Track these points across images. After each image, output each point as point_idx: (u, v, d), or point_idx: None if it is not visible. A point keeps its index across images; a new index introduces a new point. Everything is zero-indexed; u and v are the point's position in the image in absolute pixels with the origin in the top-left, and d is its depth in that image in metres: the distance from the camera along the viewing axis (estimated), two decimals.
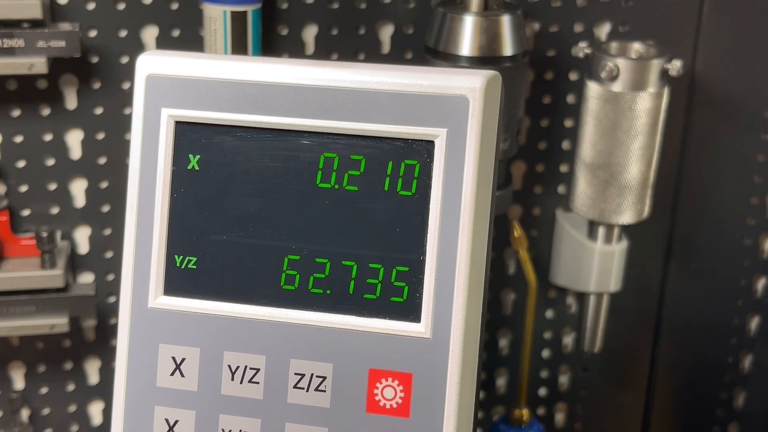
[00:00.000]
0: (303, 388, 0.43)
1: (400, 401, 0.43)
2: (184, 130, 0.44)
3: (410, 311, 0.42)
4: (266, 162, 0.43)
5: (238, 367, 0.44)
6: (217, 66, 0.43)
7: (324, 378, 0.43)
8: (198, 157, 0.44)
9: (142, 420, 0.44)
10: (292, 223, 0.43)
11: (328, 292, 0.43)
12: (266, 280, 0.44)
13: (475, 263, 0.42)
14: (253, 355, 0.44)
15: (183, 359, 0.44)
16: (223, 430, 0.44)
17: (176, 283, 0.44)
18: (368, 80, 0.42)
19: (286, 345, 0.43)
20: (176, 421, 0.44)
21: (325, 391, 0.43)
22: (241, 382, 0.44)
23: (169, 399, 0.44)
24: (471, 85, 0.41)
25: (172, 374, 0.44)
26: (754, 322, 0.83)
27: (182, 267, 0.44)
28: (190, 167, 0.44)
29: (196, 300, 0.44)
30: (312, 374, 0.43)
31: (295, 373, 0.43)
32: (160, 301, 0.44)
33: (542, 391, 0.84)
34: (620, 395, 0.85)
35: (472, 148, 0.41)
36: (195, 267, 0.44)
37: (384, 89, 0.42)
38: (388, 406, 0.43)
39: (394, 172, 0.42)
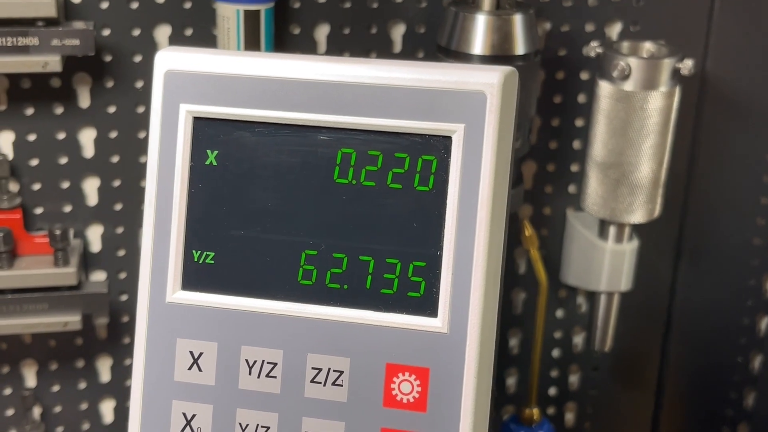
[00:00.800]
0: (320, 383, 0.43)
1: (417, 395, 0.43)
2: (202, 125, 0.44)
3: (427, 306, 0.43)
4: (284, 157, 0.44)
5: (255, 361, 0.44)
6: (235, 62, 0.44)
7: (341, 372, 0.43)
8: (216, 152, 0.44)
9: (160, 414, 0.45)
10: (310, 218, 0.44)
11: (345, 286, 0.43)
12: (284, 274, 0.44)
13: (491, 258, 0.42)
14: (271, 350, 0.44)
15: (200, 354, 0.44)
16: (240, 424, 0.44)
17: (194, 277, 0.44)
18: (386, 76, 0.43)
19: (304, 339, 0.43)
20: (194, 415, 0.44)
21: (342, 385, 0.43)
22: (258, 377, 0.44)
23: (187, 393, 0.44)
24: (489, 81, 0.42)
25: (190, 368, 0.44)
26: (764, 323, 0.83)
27: (200, 262, 0.44)
28: (208, 163, 0.44)
29: (213, 295, 0.44)
30: (329, 368, 0.43)
31: (313, 368, 0.43)
32: (178, 295, 0.44)
33: (552, 391, 0.84)
34: (630, 395, 0.85)
35: (490, 143, 0.42)
36: (213, 262, 0.44)
37: (401, 85, 0.42)
38: (405, 401, 0.43)
39: (412, 167, 0.43)
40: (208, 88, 0.44)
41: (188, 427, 0.45)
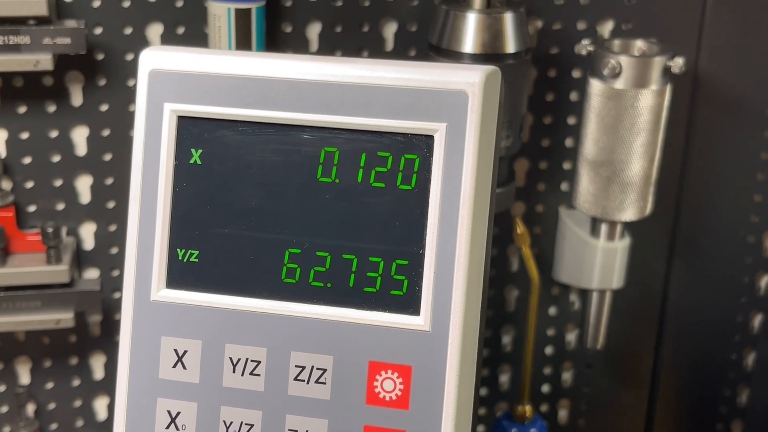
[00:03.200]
0: (303, 381, 0.43)
1: (399, 393, 0.43)
2: (186, 124, 0.44)
3: (410, 304, 0.43)
4: (268, 156, 0.44)
5: (239, 359, 0.44)
6: (219, 61, 0.44)
7: (324, 370, 0.43)
8: (200, 151, 0.44)
9: (145, 412, 0.45)
10: (293, 216, 0.44)
11: (329, 285, 0.44)
12: (267, 273, 0.44)
13: (474, 257, 0.42)
14: (255, 348, 0.44)
15: (185, 351, 0.44)
16: (224, 421, 0.44)
17: (178, 276, 0.45)
18: (368, 75, 0.43)
19: (287, 337, 0.44)
20: (178, 413, 0.45)
21: (325, 383, 0.43)
22: (242, 375, 0.44)
23: (171, 391, 0.45)
24: (470, 80, 0.42)
25: (174, 366, 0.45)
26: (758, 320, 0.83)
27: (184, 260, 0.45)
28: (192, 161, 0.44)
29: (198, 293, 0.44)
30: (312, 366, 0.43)
31: (296, 366, 0.44)
32: (163, 293, 0.45)
33: (545, 388, 0.84)
34: (623, 392, 0.86)
35: (472, 142, 0.42)
36: (197, 260, 0.44)
37: (384, 84, 0.42)
38: (387, 398, 0.43)
39: (394, 166, 0.43)
40: (192, 87, 0.44)
41: (173, 424, 0.45)
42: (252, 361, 0.44)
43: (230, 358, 0.44)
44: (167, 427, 0.45)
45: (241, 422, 0.44)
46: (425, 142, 0.42)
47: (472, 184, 0.42)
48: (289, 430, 0.44)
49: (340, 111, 0.43)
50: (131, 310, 0.45)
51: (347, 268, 0.43)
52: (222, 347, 0.44)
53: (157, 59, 0.44)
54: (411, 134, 0.42)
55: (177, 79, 0.44)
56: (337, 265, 0.43)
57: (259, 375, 0.44)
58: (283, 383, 0.44)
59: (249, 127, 0.44)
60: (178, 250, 0.45)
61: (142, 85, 0.45)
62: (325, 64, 0.43)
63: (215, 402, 0.44)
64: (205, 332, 0.44)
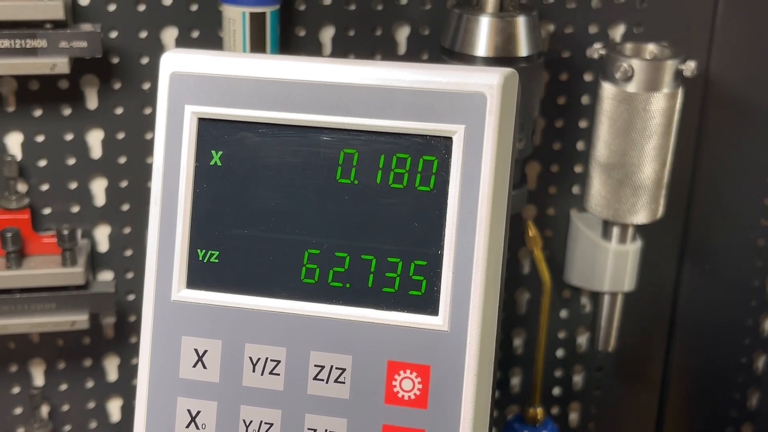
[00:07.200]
0: (323, 380, 0.44)
1: (418, 393, 0.43)
2: (207, 126, 0.45)
3: (428, 304, 0.43)
4: (287, 158, 0.44)
5: (259, 359, 0.44)
6: (240, 64, 0.44)
7: (343, 370, 0.44)
8: (221, 153, 0.45)
9: (165, 411, 0.45)
10: (313, 217, 0.44)
11: (348, 285, 0.44)
12: (287, 273, 0.44)
13: (492, 257, 0.43)
14: (274, 347, 0.44)
15: (205, 351, 0.45)
16: (244, 420, 0.45)
17: (199, 276, 0.45)
18: (387, 77, 0.43)
19: (307, 337, 0.44)
20: (198, 412, 0.45)
21: (344, 382, 0.44)
22: (262, 374, 0.44)
23: (192, 390, 0.45)
24: (488, 82, 0.42)
25: (195, 366, 0.45)
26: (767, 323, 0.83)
27: (205, 261, 0.45)
28: (212, 163, 0.45)
29: (218, 293, 0.45)
30: (332, 366, 0.44)
31: (315, 365, 0.44)
32: (183, 294, 0.45)
33: (556, 391, 0.85)
34: (634, 395, 0.86)
35: (490, 144, 0.42)
36: (217, 261, 0.45)
37: (403, 86, 0.43)
38: (406, 398, 0.43)
39: (413, 167, 0.43)
40: (212, 90, 0.44)
41: (193, 423, 0.45)
42: (272, 360, 0.44)
43: (250, 358, 0.45)
44: (187, 426, 0.45)
45: (261, 421, 0.45)
46: (444, 143, 0.43)
47: (490, 185, 0.42)
48: (309, 429, 0.44)
49: (359, 113, 0.43)
50: (152, 310, 0.45)
51: (366, 268, 0.44)
52: (242, 347, 0.45)
53: (178, 62, 0.45)
54: (429, 136, 0.43)
55: (198, 82, 0.45)
56: (356, 266, 0.44)
57: (278, 374, 0.44)
58: (303, 383, 0.44)
59: (269, 129, 0.44)
60: (199, 250, 0.45)
61: (163, 87, 0.45)
62: (344, 66, 0.44)
63: (235, 401, 0.45)
64: (225, 332, 0.45)
